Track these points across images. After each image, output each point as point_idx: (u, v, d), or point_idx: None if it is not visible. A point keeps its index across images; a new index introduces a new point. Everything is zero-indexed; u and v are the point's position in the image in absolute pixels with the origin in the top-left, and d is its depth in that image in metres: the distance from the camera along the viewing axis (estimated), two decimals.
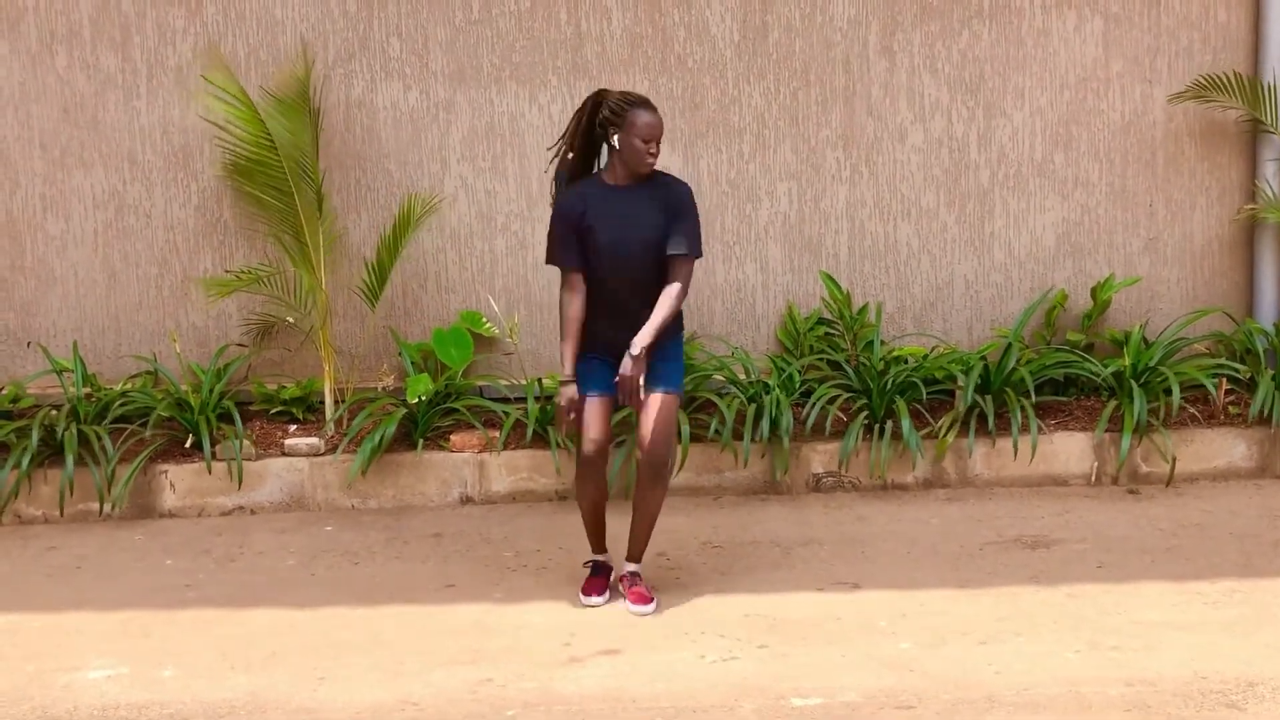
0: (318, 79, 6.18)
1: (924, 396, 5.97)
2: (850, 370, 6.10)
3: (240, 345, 6.44)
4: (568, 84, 6.32)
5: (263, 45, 6.28)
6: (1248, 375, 6.05)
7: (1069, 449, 5.84)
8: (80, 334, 6.45)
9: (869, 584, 4.77)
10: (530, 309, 6.45)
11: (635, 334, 4.45)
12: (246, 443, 5.90)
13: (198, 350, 6.45)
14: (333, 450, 5.93)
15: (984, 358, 6.09)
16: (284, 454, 5.93)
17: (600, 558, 4.77)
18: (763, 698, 3.90)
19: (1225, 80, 6.13)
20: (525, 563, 5.12)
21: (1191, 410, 5.97)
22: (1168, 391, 5.85)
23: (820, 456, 5.86)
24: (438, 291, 6.46)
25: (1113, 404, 5.89)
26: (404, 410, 5.94)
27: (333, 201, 6.31)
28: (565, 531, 5.40)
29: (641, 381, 4.44)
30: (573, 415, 4.49)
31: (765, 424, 5.76)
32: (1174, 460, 5.77)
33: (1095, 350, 6.34)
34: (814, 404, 5.86)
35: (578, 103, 6.24)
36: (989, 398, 5.89)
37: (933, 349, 6.30)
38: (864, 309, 6.39)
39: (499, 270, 6.45)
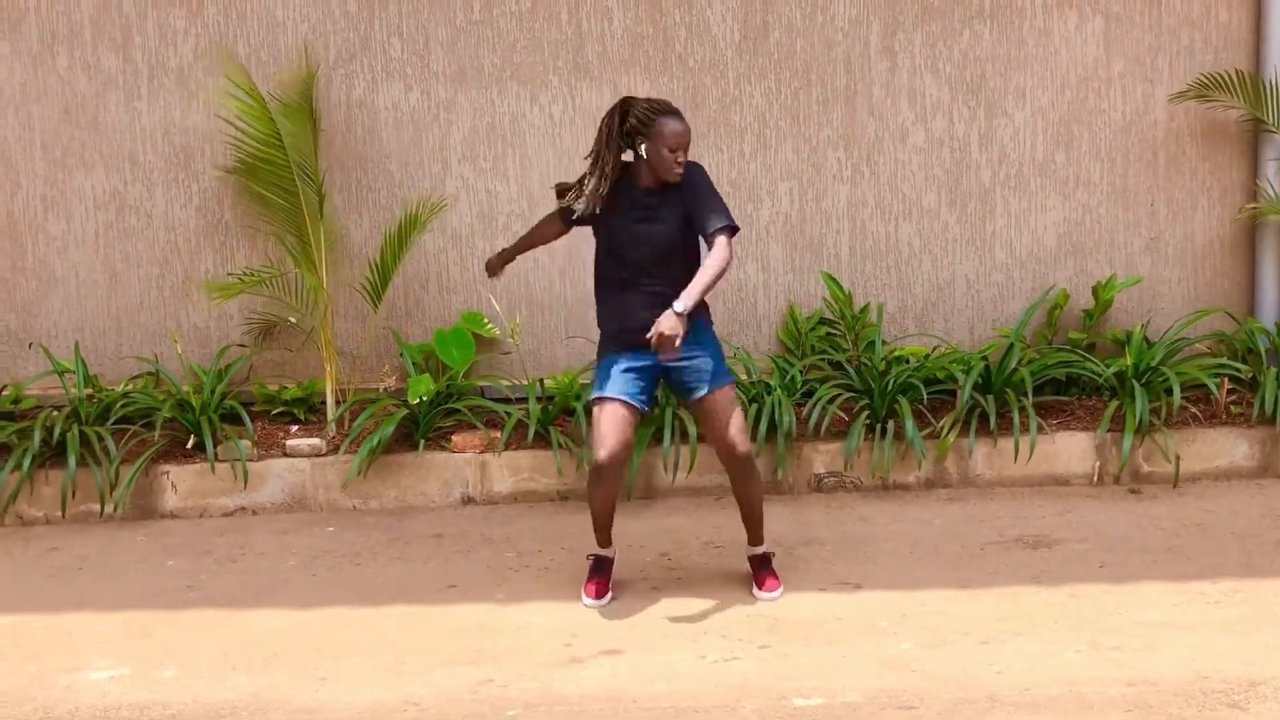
0: (319, 79, 6.18)
1: (926, 396, 5.96)
2: (852, 370, 6.10)
3: (241, 346, 6.45)
4: (569, 84, 6.32)
5: (264, 46, 6.28)
6: (1249, 375, 6.05)
7: (1071, 449, 5.83)
8: (81, 335, 6.46)
9: (870, 584, 4.77)
10: (531, 309, 6.45)
11: (656, 314, 4.32)
12: (248, 443, 5.90)
13: (199, 351, 6.46)
14: (334, 451, 5.94)
15: (985, 357, 6.09)
16: (285, 455, 5.93)
17: (603, 552, 4.75)
18: (764, 698, 3.90)
19: (1227, 79, 6.13)
20: (527, 563, 5.12)
21: (1193, 410, 5.96)
22: (1169, 391, 5.85)
23: (822, 456, 5.86)
24: (439, 292, 6.46)
25: (1114, 404, 5.89)
26: (405, 411, 5.94)
27: (334, 202, 6.31)
28: (567, 532, 5.40)
29: (678, 345, 4.19)
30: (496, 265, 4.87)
31: (766, 424, 5.76)
32: (1176, 460, 5.77)
33: (1097, 350, 6.33)
34: (815, 404, 5.86)
35: (579, 103, 6.29)
36: (990, 397, 5.89)
37: (934, 349, 6.30)
38: (865, 309, 6.39)
39: None
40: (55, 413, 6.02)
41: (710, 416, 4.47)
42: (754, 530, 4.70)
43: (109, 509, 5.81)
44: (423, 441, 5.92)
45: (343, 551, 5.34)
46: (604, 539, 4.72)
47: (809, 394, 6.00)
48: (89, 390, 6.20)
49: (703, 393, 4.47)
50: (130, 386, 6.28)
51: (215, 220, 6.42)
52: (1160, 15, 6.31)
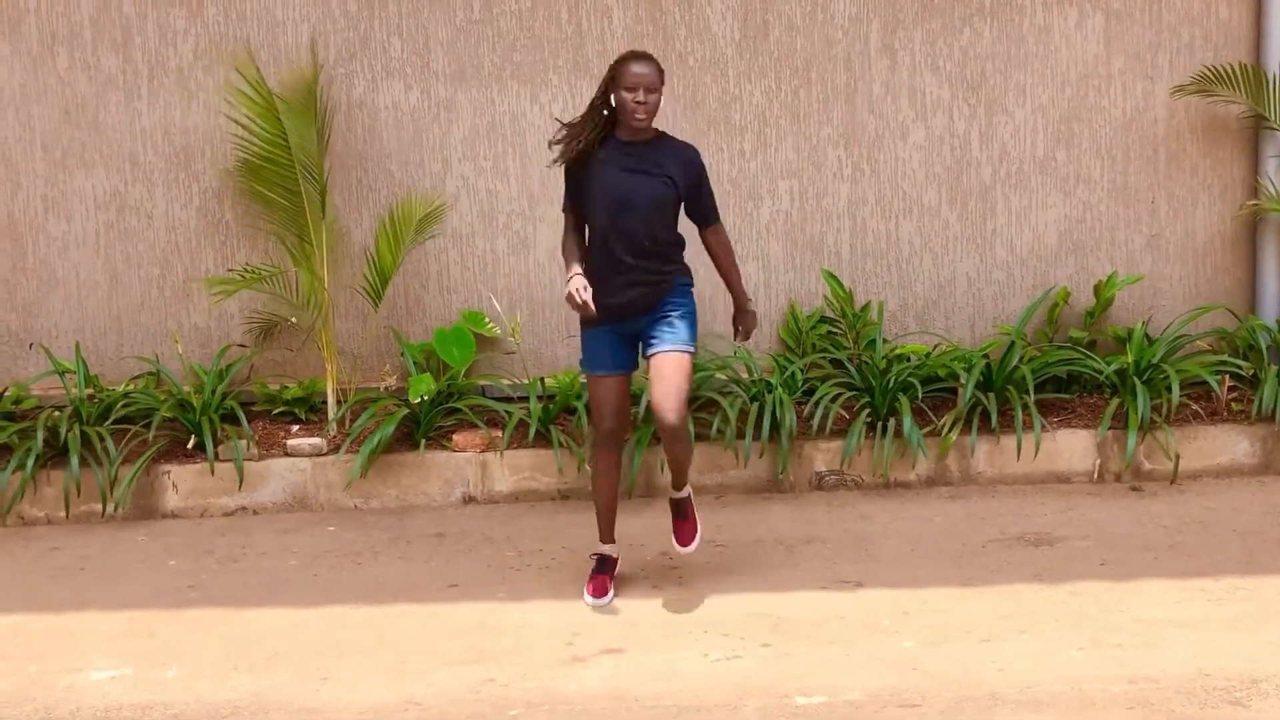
0: (321, 79, 6.18)
1: (926, 395, 5.96)
2: (853, 368, 6.09)
3: (242, 346, 6.44)
4: (569, 83, 6.32)
5: (264, 46, 6.28)
6: (1250, 372, 6.04)
7: (1072, 446, 5.83)
8: (82, 335, 6.46)
9: (872, 582, 4.77)
10: (532, 308, 6.45)
11: (640, 293, 4.46)
12: (249, 443, 5.90)
13: (200, 351, 6.45)
14: (335, 450, 5.94)
15: (986, 355, 6.08)
16: (286, 454, 5.93)
17: (607, 550, 4.75)
18: (766, 697, 3.90)
19: (1229, 72, 6.12)
20: (528, 562, 5.12)
21: (1194, 407, 5.96)
22: (1170, 388, 5.84)
23: (823, 455, 5.86)
24: (439, 291, 6.46)
25: (1116, 401, 5.89)
26: (406, 410, 5.94)
27: (334, 201, 6.31)
28: (568, 531, 5.40)
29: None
30: (584, 295, 4.38)
31: (768, 423, 5.76)
32: (1177, 457, 5.77)
33: (1098, 347, 6.33)
34: (816, 402, 5.86)
35: (579, 102, 6.27)
36: (992, 395, 5.88)
37: (935, 347, 6.29)
38: (866, 307, 6.38)
39: (501, 270, 6.45)
40: (57, 413, 6.02)
41: (656, 375, 4.46)
42: (675, 477, 4.68)
43: (110, 509, 5.81)
44: (424, 441, 5.92)
45: (344, 551, 5.34)
46: (607, 534, 4.73)
47: (810, 392, 5.99)
48: (90, 390, 6.20)
49: (661, 349, 4.47)
50: (131, 387, 6.27)
51: (216, 220, 6.42)
52: (1161, 12, 6.30)
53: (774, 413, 5.78)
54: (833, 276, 6.36)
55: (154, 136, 6.37)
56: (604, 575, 4.71)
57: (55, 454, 5.89)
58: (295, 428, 6.16)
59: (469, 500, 5.89)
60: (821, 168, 6.40)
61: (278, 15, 6.28)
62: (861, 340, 6.28)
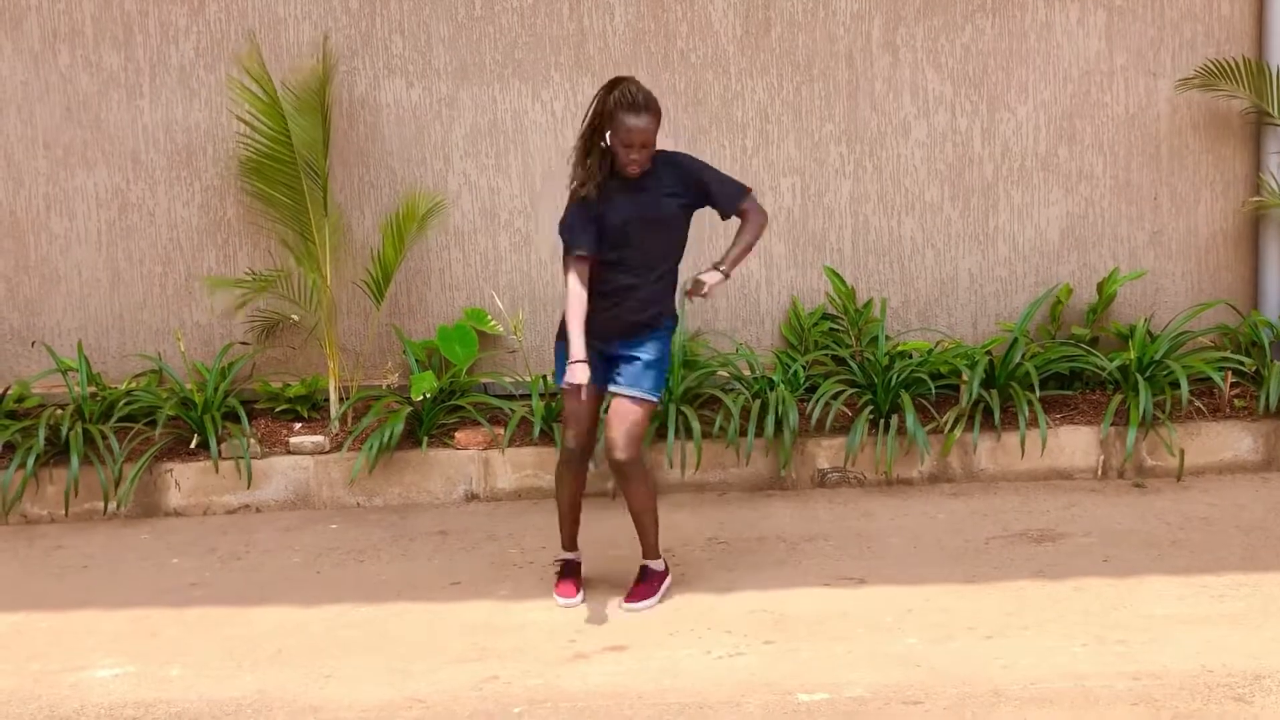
0: (321, 75, 6.17)
1: (929, 391, 5.96)
2: (855, 365, 6.09)
3: (244, 343, 6.45)
4: (570, 80, 6.31)
5: (266, 43, 6.27)
6: (1253, 368, 6.04)
7: (1074, 443, 5.83)
8: (85, 333, 6.46)
9: (875, 579, 4.77)
10: (534, 306, 6.45)
11: (627, 323, 4.46)
12: (252, 441, 5.90)
13: (202, 349, 6.46)
14: (338, 448, 5.94)
15: (989, 352, 6.08)
16: (289, 452, 5.93)
17: (570, 556, 4.80)
18: (769, 694, 3.90)
19: (1232, 66, 6.11)
20: (531, 560, 5.12)
21: (1197, 403, 5.96)
22: (1173, 385, 5.84)
23: (825, 452, 5.86)
24: (442, 289, 6.46)
25: (1118, 398, 5.88)
26: (409, 408, 5.94)
27: (336, 199, 6.31)
28: None
29: (706, 293, 4.43)
30: (580, 391, 4.33)
31: (770, 420, 5.76)
32: (1180, 454, 5.76)
33: (1100, 344, 6.33)
34: (819, 399, 5.85)
35: (580, 99, 6.28)
36: (994, 392, 5.88)
37: (937, 344, 6.29)
38: (868, 304, 6.38)
39: (503, 267, 6.45)
40: (59, 411, 6.02)
41: (613, 412, 4.48)
42: (642, 539, 4.66)
43: (113, 507, 5.82)
44: (426, 438, 5.92)
45: (347, 549, 5.35)
46: (569, 542, 4.79)
47: (812, 389, 5.99)
48: (92, 388, 6.20)
49: (618, 389, 4.47)
50: (133, 385, 6.28)
51: (217, 218, 6.42)
52: (1162, 8, 6.30)
53: (776, 410, 5.77)
54: (835, 273, 6.36)
55: (156, 134, 6.37)
56: (570, 579, 4.74)
57: (58, 452, 5.89)
58: (298, 425, 6.16)
59: (471, 498, 5.90)
60: (823, 164, 6.39)
61: (279, 12, 6.28)
62: (864, 337, 6.28)
